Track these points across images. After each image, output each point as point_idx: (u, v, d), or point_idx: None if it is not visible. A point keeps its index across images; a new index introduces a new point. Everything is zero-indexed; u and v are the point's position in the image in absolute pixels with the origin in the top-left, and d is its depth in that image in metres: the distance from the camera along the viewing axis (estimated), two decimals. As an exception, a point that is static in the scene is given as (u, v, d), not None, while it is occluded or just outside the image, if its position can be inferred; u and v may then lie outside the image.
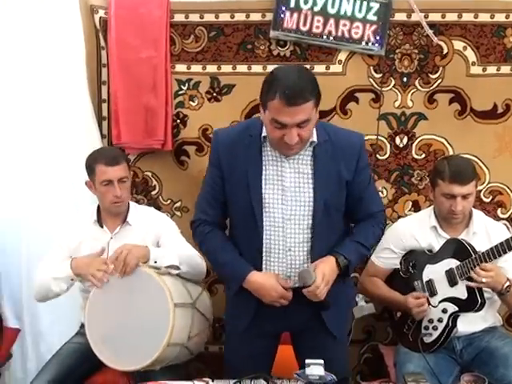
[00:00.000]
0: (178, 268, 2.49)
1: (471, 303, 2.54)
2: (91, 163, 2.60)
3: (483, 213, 2.82)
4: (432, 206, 2.76)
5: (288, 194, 2.20)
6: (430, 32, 2.87)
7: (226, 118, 2.90)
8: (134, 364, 2.35)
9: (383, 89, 2.95)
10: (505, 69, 2.95)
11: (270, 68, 2.87)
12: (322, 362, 2.06)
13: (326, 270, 2.19)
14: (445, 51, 2.92)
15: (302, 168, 2.21)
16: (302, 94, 2.02)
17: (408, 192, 3.05)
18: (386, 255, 2.78)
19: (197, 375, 2.28)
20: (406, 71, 2.94)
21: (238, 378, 2.15)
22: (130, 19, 2.90)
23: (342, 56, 2.92)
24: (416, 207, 3.04)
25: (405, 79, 2.95)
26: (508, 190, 3.07)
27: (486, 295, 2.55)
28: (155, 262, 2.49)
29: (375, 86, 2.95)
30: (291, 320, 2.30)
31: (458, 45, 2.92)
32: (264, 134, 2.19)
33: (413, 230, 2.74)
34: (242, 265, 2.26)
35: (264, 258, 2.25)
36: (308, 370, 2.04)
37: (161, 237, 2.66)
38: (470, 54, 2.92)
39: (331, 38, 2.88)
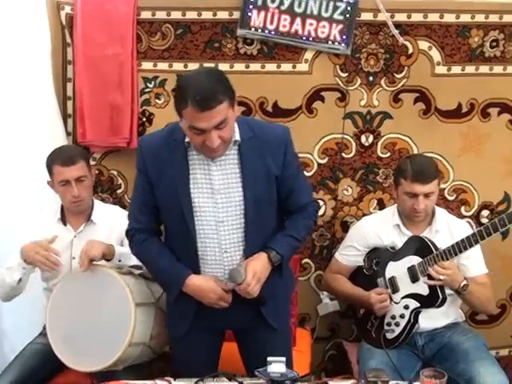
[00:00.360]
0: (141, 268, 2.49)
1: (432, 299, 2.58)
2: (49, 163, 2.61)
3: (447, 211, 2.87)
4: (396, 204, 2.79)
5: (218, 197, 2.19)
6: (395, 32, 2.89)
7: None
8: (96, 365, 2.34)
9: (349, 88, 2.97)
10: (469, 69, 2.98)
11: (237, 66, 2.90)
12: (283, 359, 2.06)
13: (257, 267, 2.19)
14: (410, 51, 2.94)
15: (230, 168, 2.20)
16: (213, 96, 1.99)
17: (373, 190, 3.07)
18: (350, 252, 2.82)
19: (160, 375, 2.27)
20: (372, 70, 2.96)
21: (199, 377, 2.15)
22: (96, 16, 2.88)
23: (309, 55, 2.93)
24: (381, 205, 3.07)
25: (371, 78, 2.97)
26: (472, 189, 3.11)
27: (447, 292, 2.59)
28: (119, 261, 2.49)
29: (341, 85, 2.96)
30: (232, 320, 2.30)
31: (424, 45, 2.94)
32: (187, 139, 2.17)
33: (376, 227, 2.77)
34: (180, 269, 2.25)
35: (201, 261, 2.25)
36: (269, 368, 2.04)
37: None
38: (435, 54, 2.95)
39: (298, 36, 2.89)
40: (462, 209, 3.12)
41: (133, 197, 2.37)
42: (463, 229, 2.73)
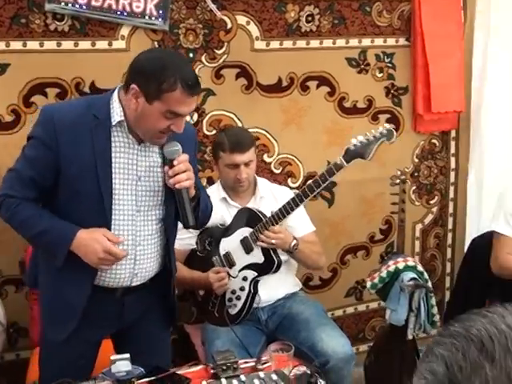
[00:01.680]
0: None
1: (268, 265, 2.63)
2: None
3: (274, 183, 2.94)
4: (219, 179, 2.79)
5: (139, 184, 2.07)
6: (212, 6, 2.84)
7: (1, 101, 2.62)
8: None
9: (170, 65, 2.87)
10: (287, 43, 3.03)
11: (48, 44, 2.66)
12: (127, 356, 1.95)
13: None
14: (229, 26, 2.91)
15: (153, 156, 2.10)
16: (198, 82, 1.98)
17: (202, 169, 3.01)
18: (182, 236, 2.72)
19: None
20: (192, 47, 2.89)
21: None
22: None
23: (125, 31, 2.77)
24: (211, 183, 3.01)
25: (191, 55, 2.89)
26: (296, 161, 3.19)
27: (282, 257, 2.65)
28: None
29: (162, 62, 2.85)
30: (123, 321, 2.19)
31: (242, 20, 2.93)
32: (118, 119, 1.99)
33: (205, 205, 2.74)
34: (67, 226, 2.02)
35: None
36: (114, 368, 1.92)
37: None
38: (254, 29, 2.96)
39: (112, 11, 2.71)
40: (289, 181, 3.19)
41: (17, 166, 2.05)
42: (285, 193, 2.82)
